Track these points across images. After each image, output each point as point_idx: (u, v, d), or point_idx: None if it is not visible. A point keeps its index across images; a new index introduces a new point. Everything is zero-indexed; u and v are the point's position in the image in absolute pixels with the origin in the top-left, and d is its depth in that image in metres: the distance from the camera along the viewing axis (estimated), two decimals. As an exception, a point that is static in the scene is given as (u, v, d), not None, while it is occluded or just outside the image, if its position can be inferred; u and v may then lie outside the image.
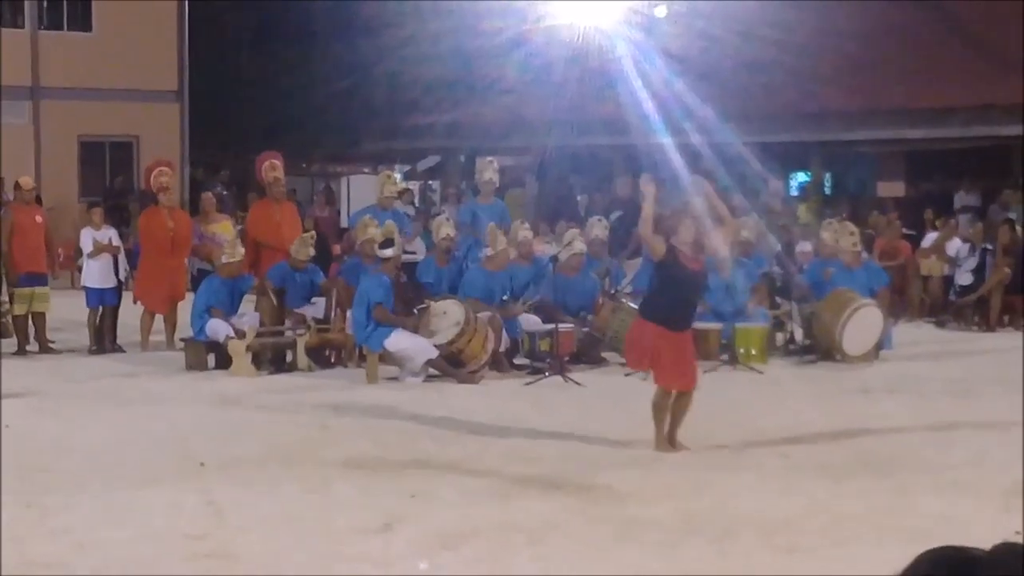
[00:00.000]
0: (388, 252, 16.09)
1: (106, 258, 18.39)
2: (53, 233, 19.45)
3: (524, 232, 17.89)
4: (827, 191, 33.62)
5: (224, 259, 17.10)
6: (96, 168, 34.13)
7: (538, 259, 17.91)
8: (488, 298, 16.60)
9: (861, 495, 9.83)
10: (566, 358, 16.16)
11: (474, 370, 15.74)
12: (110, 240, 18.61)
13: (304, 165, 40.63)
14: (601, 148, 32.30)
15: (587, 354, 17.04)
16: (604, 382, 15.45)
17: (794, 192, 32.43)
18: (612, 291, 17.83)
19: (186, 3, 34.80)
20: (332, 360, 16.96)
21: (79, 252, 18.90)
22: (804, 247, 20.71)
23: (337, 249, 21.32)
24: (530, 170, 34.50)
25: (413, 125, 36.96)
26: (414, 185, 35.88)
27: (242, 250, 17.36)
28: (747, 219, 18.79)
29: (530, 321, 16.85)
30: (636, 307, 13.46)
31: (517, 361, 16.76)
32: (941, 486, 10.11)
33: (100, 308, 18.32)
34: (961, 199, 28.49)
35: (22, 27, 33.07)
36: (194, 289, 18.19)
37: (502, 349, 16.40)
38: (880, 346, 17.41)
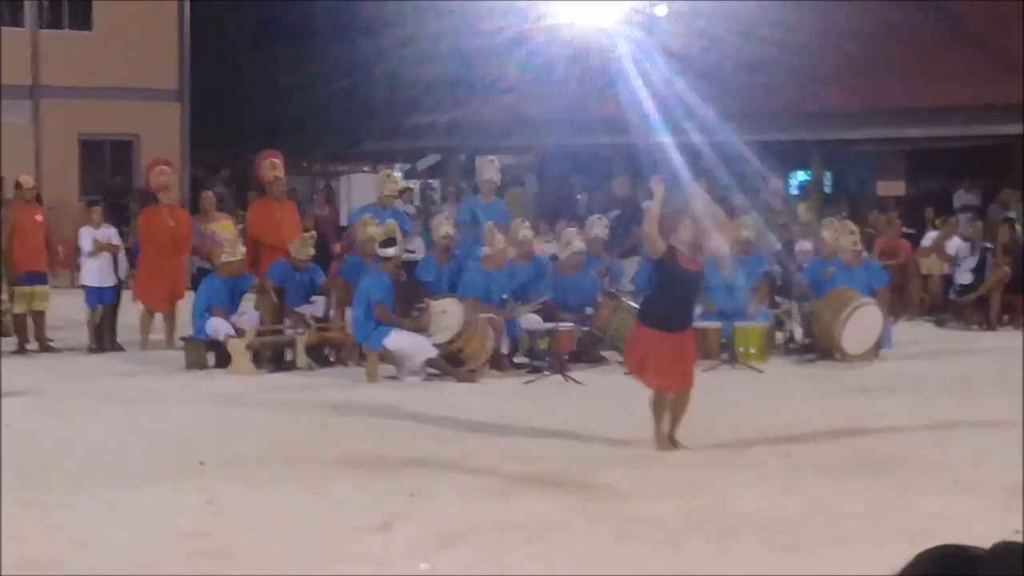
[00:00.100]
0: (390, 251, 16.09)
1: (105, 257, 18.39)
2: (53, 232, 19.46)
3: (524, 231, 17.89)
4: (827, 190, 33.63)
5: (225, 258, 17.10)
6: (96, 167, 34.13)
7: (538, 258, 17.91)
8: (486, 297, 16.60)
9: (861, 494, 9.83)
10: (566, 357, 16.15)
11: (473, 369, 15.75)
12: (109, 239, 18.61)
13: (304, 164, 40.61)
14: (601, 147, 32.31)
15: (587, 353, 17.04)
16: (604, 381, 15.45)
17: (794, 191, 32.45)
18: (612, 290, 17.83)
19: (187, 2, 34.80)
20: (332, 359, 16.97)
21: (79, 251, 18.89)
22: (804, 246, 20.71)
23: (337, 248, 21.31)
24: (530, 169, 34.52)
25: (413, 124, 36.95)
26: (414, 184, 35.90)
27: (243, 249, 17.37)
28: (747, 218, 18.82)
29: (530, 320, 16.84)
30: (636, 306, 13.46)
31: (517, 360, 16.75)
32: (941, 485, 10.11)
33: (99, 307, 18.32)
34: (961, 198, 28.48)
35: (22, 26, 33.05)
36: (194, 288, 18.19)
37: (504, 351, 16.41)
38: (880, 345, 17.41)
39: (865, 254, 19.20)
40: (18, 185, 18.98)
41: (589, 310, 17.23)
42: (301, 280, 17.27)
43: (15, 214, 18.44)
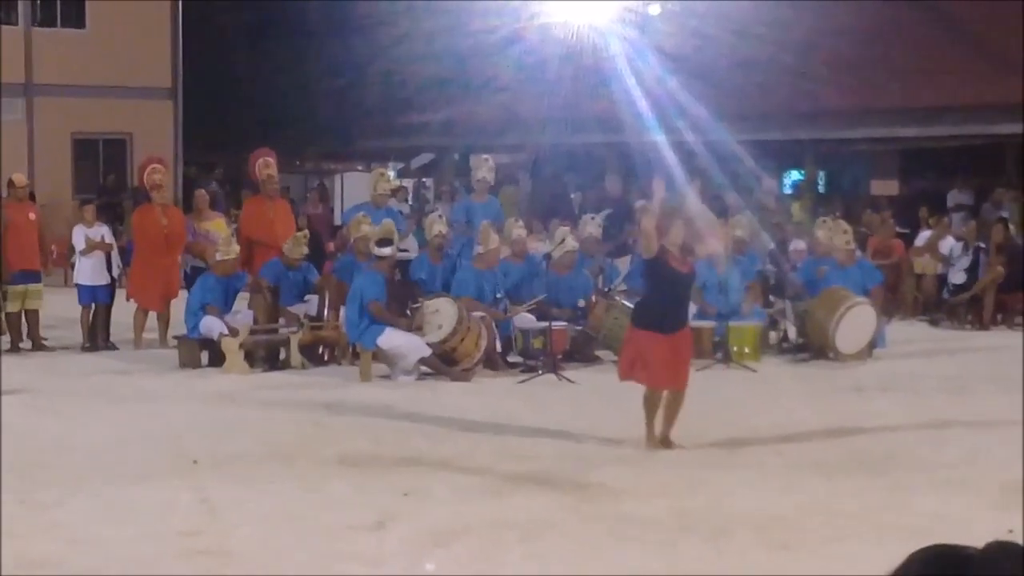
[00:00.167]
0: (386, 251, 16.08)
1: (98, 255, 18.39)
2: (46, 230, 19.44)
3: (518, 230, 17.89)
4: (821, 189, 33.68)
5: (219, 257, 17.10)
6: (89, 165, 34.13)
7: (531, 257, 17.91)
8: (479, 296, 16.60)
9: (855, 493, 9.83)
10: (559, 356, 16.15)
11: (467, 368, 15.74)
12: (102, 237, 18.60)
13: (298, 163, 40.58)
14: (595, 146, 32.31)
15: (580, 352, 17.04)
16: (597, 380, 15.43)
17: (788, 190, 32.49)
18: (606, 289, 17.83)
19: (180, 1, 34.79)
20: (325, 358, 16.96)
21: (72, 249, 18.89)
22: (798, 245, 20.72)
23: (331, 247, 21.31)
24: (524, 168, 34.53)
25: (407, 123, 36.96)
26: (408, 183, 35.91)
27: (237, 248, 17.37)
28: (741, 217, 18.83)
29: (523, 319, 16.84)
30: (630, 305, 13.46)
31: (510, 359, 16.75)
32: (935, 484, 10.12)
33: (93, 305, 18.31)
34: (954, 197, 28.51)
35: (15, 24, 33.03)
36: (187, 287, 18.19)
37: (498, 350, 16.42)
38: (874, 344, 17.42)
39: (859, 253, 19.22)
40: (11, 183, 18.96)
41: (581, 302, 17.21)
42: (295, 279, 17.27)
43: (8, 212, 18.42)
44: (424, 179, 38.99)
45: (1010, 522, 8.46)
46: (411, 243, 19.96)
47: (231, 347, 16.21)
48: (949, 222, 24.27)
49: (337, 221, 28.09)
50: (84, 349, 18.16)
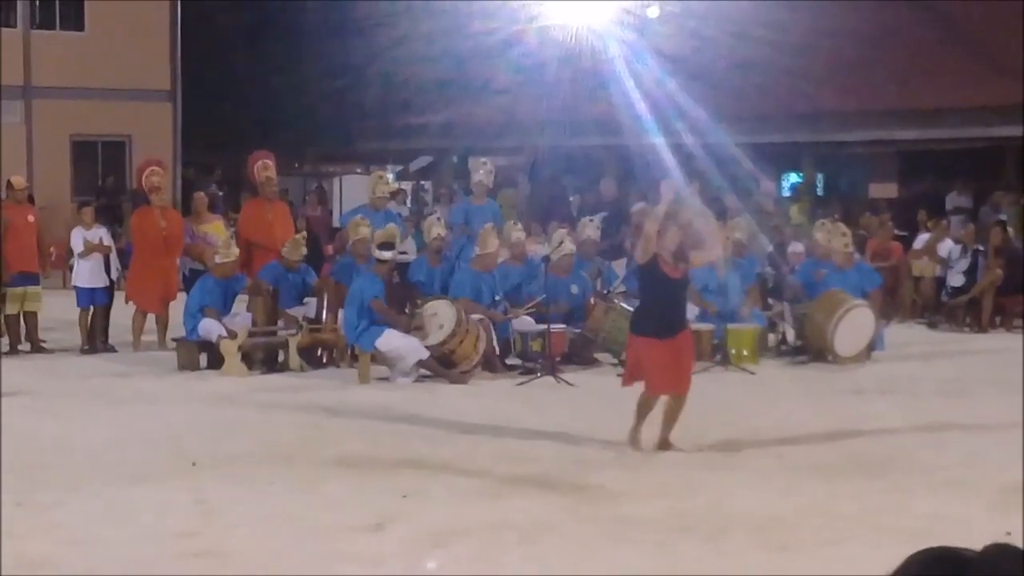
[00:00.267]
0: (387, 255, 16.09)
1: (97, 258, 18.39)
2: (45, 232, 19.45)
3: (517, 233, 17.90)
4: (819, 192, 33.66)
5: (218, 259, 17.11)
6: (88, 167, 34.14)
7: (530, 260, 17.92)
8: (476, 297, 16.62)
9: (854, 495, 9.83)
10: (558, 358, 16.16)
11: (465, 370, 15.74)
12: (101, 239, 18.60)
13: (296, 165, 40.61)
14: (594, 148, 32.31)
15: (579, 354, 17.04)
16: (596, 382, 15.44)
17: (786, 193, 32.47)
18: (604, 291, 17.83)
19: (178, 3, 34.81)
20: (324, 360, 16.97)
21: (71, 252, 18.89)
22: (796, 248, 20.73)
23: (329, 249, 21.31)
24: (523, 170, 34.51)
25: (406, 125, 36.95)
26: (407, 185, 35.90)
27: (236, 250, 17.37)
28: (739, 220, 18.83)
29: (522, 321, 16.85)
30: (628, 307, 13.46)
31: (509, 361, 16.75)
32: (934, 486, 10.12)
33: (91, 308, 18.31)
34: (953, 200, 28.49)
35: (14, 26, 33.05)
36: (186, 289, 18.19)
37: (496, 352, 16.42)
38: (872, 347, 17.42)
39: (857, 256, 19.22)
40: (9, 185, 18.96)
41: (574, 287, 17.16)
42: (293, 281, 17.27)
43: (7, 214, 18.42)
44: (423, 181, 38.97)
45: (1008, 524, 8.47)
46: (409, 245, 19.96)
47: (230, 349, 16.22)
48: (948, 225, 24.26)
49: (336, 223, 28.07)
50: (83, 351, 18.16)
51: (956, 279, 21.81)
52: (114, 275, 18.76)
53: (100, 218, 19.94)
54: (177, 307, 18.04)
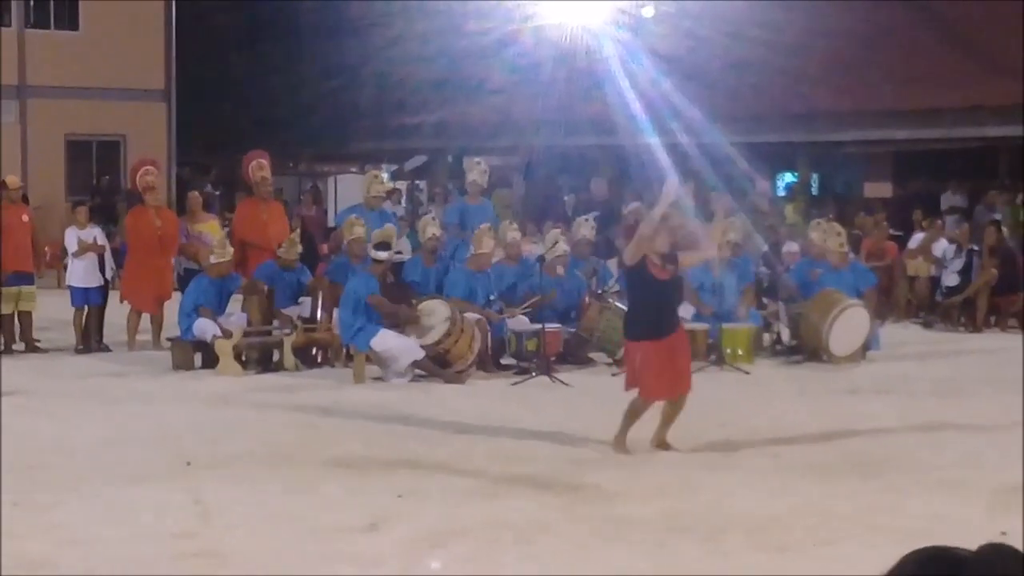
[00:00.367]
0: (383, 255, 16.09)
1: (91, 257, 18.37)
2: (40, 232, 19.43)
3: (512, 233, 17.90)
4: (814, 191, 33.67)
5: (213, 259, 17.09)
6: (83, 167, 34.10)
7: (525, 260, 17.92)
8: (469, 297, 16.62)
9: (849, 495, 9.84)
10: (553, 358, 16.16)
11: (460, 370, 15.74)
12: (95, 239, 18.58)
13: (291, 164, 40.59)
14: (589, 148, 32.32)
15: (574, 354, 17.04)
16: (591, 382, 15.46)
17: (781, 192, 32.48)
18: (599, 291, 17.83)
19: (173, 2, 34.77)
20: (319, 360, 16.96)
21: (65, 251, 18.87)
22: (791, 247, 20.72)
23: (324, 249, 21.31)
24: (518, 170, 34.53)
25: (400, 125, 36.97)
26: (402, 185, 35.90)
27: (231, 250, 17.36)
28: (734, 220, 18.82)
29: (517, 321, 16.85)
30: (623, 307, 13.44)
31: (504, 361, 16.76)
32: (929, 486, 10.13)
33: (86, 307, 18.30)
34: (948, 200, 28.52)
35: (9, 26, 33.01)
36: (181, 289, 18.18)
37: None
38: (867, 347, 17.43)
39: (852, 256, 19.22)
40: (4, 185, 18.96)
41: (560, 268, 17.14)
42: (288, 281, 17.27)
43: (1, 214, 18.40)
44: (417, 181, 38.97)
45: (1004, 524, 8.48)
46: (404, 245, 19.95)
47: (225, 349, 16.21)
48: (942, 224, 24.29)
49: (331, 223, 28.08)
50: (77, 351, 18.14)
51: (951, 279, 21.83)
52: (109, 275, 18.75)
53: (95, 218, 19.92)
54: (172, 307, 18.03)
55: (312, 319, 16.96)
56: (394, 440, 12.04)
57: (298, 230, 18.72)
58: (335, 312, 16.50)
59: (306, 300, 17.19)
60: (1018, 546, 2.43)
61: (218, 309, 16.87)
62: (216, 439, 12.01)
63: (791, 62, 28.85)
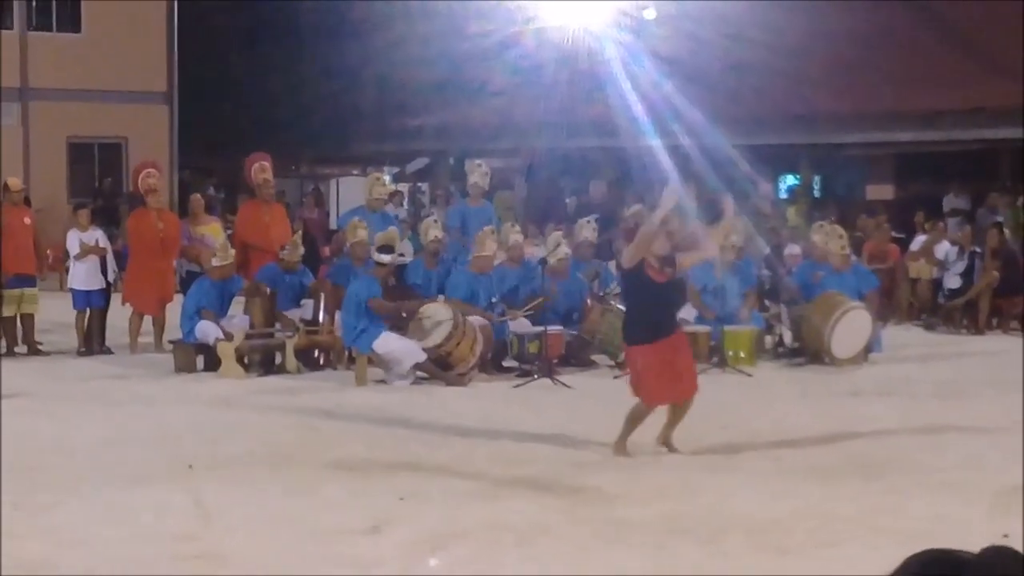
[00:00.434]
0: (386, 258, 16.08)
1: (93, 260, 18.38)
2: (42, 235, 19.43)
3: (515, 235, 17.89)
4: (816, 194, 33.67)
5: (216, 262, 17.08)
6: (85, 169, 34.13)
7: (527, 262, 17.91)
8: (471, 299, 16.62)
9: (851, 497, 9.83)
10: (555, 360, 16.15)
11: (462, 373, 15.73)
12: (97, 242, 18.59)
13: (293, 167, 40.56)
14: (590, 150, 32.33)
15: (576, 356, 17.04)
16: (593, 384, 15.45)
17: (783, 195, 32.47)
18: (601, 293, 17.83)
19: (175, 4, 34.79)
20: (321, 362, 16.95)
21: (67, 254, 18.88)
22: (793, 250, 20.71)
23: (326, 251, 21.31)
24: (519, 172, 34.53)
25: (402, 127, 36.96)
26: (403, 187, 35.90)
27: (233, 253, 17.35)
28: (736, 222, 18.79)
29: (519, 323, 16.84)
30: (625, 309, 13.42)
31: (506, 363, 16.75)
32: (931, 488, 10.11)
33: (88, 310, 18.30)
34: (950, 202, 28.50)
35: (11, 28, 33.03)
36: (183, 291, 18.18)
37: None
38: (869, 349, 17.42)
39: (854, 258, 19.21)
40: (6, 187, 18.95)
41: (560, 253, 17.15)
42: (291, 283, 17.27)
43: (3, 217, 18.40)
44: (419, 183, 38.96)
45: (1006, 527, 8.47)
46: (406, 248, 19.95)
47: (227, 351, 16.21)
48: (944, 227, 24.26)
49: (333, 225, 28.07)
50: (80, 353, 18.15)
51: (953, 281, 21.81)
52: (111, 277, 18.75)
53: (96, 220, 19.93)
54: (174, 309, 18.03)
55: (314, 321, 16.96)
56: (396, 442, 12.03)
57: (300, 232, 18.72)
58: (337, 314, 16.49)
59: (308, 302, 17.19)
60: (1020, 548, 2.43)
61: (220, 311, 16.87)
62: (218, 441, 12.01)
63: (792, 64, 28.87)
